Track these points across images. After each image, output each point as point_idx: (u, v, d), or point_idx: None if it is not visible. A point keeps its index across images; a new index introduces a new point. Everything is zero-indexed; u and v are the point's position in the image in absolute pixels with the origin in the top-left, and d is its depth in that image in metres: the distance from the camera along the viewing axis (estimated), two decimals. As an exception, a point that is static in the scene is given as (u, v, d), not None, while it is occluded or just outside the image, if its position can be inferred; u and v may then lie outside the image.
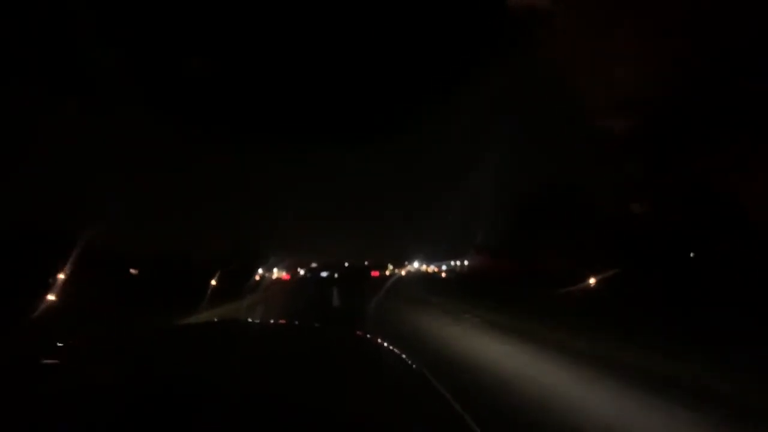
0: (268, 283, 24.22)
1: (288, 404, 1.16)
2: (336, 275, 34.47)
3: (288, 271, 35.86)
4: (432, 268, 43.47)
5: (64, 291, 11.53)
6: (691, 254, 12.15)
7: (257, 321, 4.21)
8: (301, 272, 40.15)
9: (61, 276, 11.58)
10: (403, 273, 37.26)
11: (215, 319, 7.56)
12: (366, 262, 41.92)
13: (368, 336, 2.15)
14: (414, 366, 1.61)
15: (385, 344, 1.90)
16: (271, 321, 4.87)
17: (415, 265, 44.13)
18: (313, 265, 39.53)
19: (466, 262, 28.00)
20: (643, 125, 10.03)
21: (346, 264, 41.43)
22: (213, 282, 14.37)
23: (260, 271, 29.83)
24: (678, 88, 8.58)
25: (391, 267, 40.59)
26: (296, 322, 3.90)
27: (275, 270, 35.35)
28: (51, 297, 10.56)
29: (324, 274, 37.32)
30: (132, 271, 19.36)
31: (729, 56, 7.74)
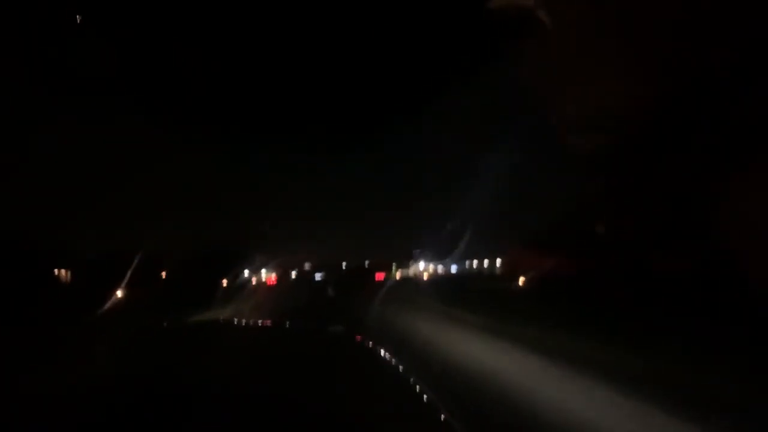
0: (248, 291, 19.39)
1: (284, 404, 1.23)
2: (332, 278, 30.24)
3: (277, 272, 30.88)
4: (440, 270, 38.13)
5: None
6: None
7: (257, 322, 1.68)
8: (293, 274, 35.26)
9: None
10: (425, 277, 31.97)
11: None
12: (366, 263, 37.09)
13: (366, 340, 1.47)
14: (405, 373, 1.24)
15: (381, 350, 1.61)
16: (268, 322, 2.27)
17: (420, 266, 38.93)
18: (306, 266, 34.90)
19: (497, 262, 23.01)
20: (612, 142, 10.17)
21: (344, 265, 36.86)
22: (119, 292, 9.51)
23: (245, 274, 25.02)
24: (650, 106, 8.61)
25: (395, 268, 35.80)
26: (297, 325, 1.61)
27: (263, 271, 30.54)
28: None
29: (318, 276, 33.40)
30: (61, 272, 14.72)
31: (704, 74, 7.82)
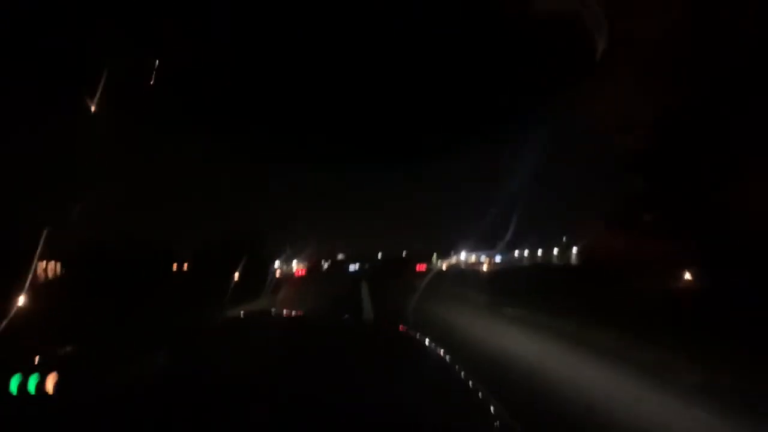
0: (273, 286, 16.86)
1: (331, 399, 1.19)
2: (368, 269, 27.78)
3: (308, 263, 28.35)
4: (484, 260, 34.62)
5: None
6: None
7: (300, 314, 3.94)
8: (325, 265, 32.68)
9: None
10: (484, 268, 28.69)
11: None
12: (404, 253, 34.21)
13: (411, 332, 2.32)
14: (455, 364, 1.70)
15: (427, 341, 2.02)
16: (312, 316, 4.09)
17: (462, 256, 35.67)
18: (340, 256, 32.38)
19: (571, 249, 19.89)
20: (652, 143, 11.03)
21: (380, 255, 34.23)
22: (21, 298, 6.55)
23: (275, 265, 22.70)
24: (684, 107, 9.62)
25: (436, 258, 32.88)
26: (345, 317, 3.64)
27: (294, 263, 28.15)
28: None
29: (353, 267, 30.92)
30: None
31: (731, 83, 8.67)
